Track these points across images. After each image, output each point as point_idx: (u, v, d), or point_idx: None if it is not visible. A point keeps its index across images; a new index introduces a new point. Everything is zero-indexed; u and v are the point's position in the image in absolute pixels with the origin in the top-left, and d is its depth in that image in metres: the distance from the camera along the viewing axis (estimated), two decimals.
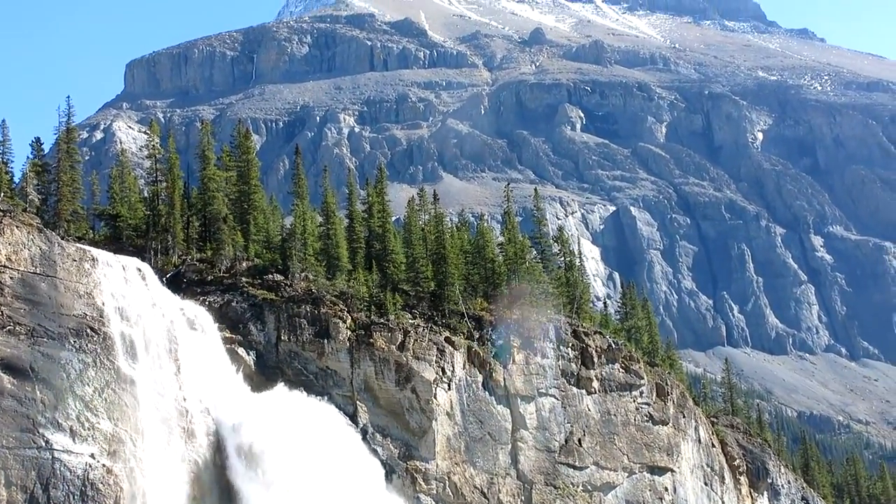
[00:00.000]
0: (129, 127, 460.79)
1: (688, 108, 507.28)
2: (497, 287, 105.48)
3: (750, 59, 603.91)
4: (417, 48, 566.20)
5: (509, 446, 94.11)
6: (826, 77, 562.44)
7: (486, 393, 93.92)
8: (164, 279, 79.92)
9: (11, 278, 63.53)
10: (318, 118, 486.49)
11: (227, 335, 79.77)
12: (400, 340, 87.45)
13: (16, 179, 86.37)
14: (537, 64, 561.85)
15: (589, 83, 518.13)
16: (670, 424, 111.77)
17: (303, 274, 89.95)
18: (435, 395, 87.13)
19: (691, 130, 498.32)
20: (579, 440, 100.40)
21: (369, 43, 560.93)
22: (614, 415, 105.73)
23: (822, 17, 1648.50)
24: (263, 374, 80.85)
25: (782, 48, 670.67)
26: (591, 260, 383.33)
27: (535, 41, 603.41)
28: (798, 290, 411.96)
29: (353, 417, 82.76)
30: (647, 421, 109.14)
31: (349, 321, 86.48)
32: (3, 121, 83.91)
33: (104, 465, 63.55)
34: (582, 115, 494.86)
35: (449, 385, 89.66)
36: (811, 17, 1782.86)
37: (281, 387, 79.60)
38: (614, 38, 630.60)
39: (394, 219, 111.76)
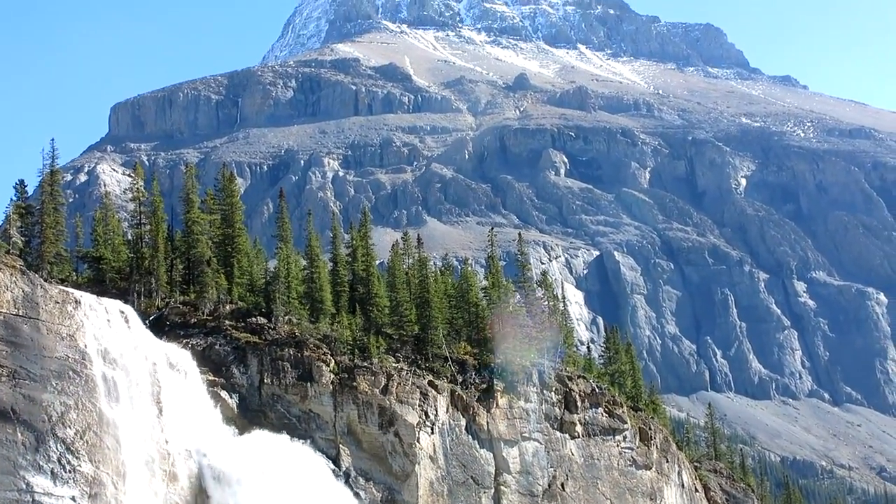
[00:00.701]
0: (114, 170, 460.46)
1: (671, 154, 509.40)
2: (481, 331, 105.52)
3: (733, 106, 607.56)
4: (402, 93, 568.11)
5: (492, 490, 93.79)
6: (809, 123, 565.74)
7: (470, 437, 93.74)
8: (147, 322, 79.70)
9: None
10: (302, 162, 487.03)
11: (210, 378, 79.56)
12: (383, 384, 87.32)
13: None
14: (521, 109, 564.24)
15: (573, 128, 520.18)
16: (654, 469, 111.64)
17: (286, 317, 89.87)
18: (418, 438, 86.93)
19: (675, 176, 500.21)
20: (562, 484, 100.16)
21: (354, 87, 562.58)
22: (598, 459, 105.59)
23: (805, 64, 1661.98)
24: (246, 417, 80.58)
25: (765, 95, 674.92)
26: (575, 304, 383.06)
27: (519, 87, 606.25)
28: (781, 335, 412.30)
29: (335, 461, 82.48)
30: (631, 465, 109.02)
31: (332, 364, 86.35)
32: None
33: None
34: (566, 160, 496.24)
35: (432, 429, 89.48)
36: (794, 64, 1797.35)
37: (264, 430, 79.37)
38: (598, 83, 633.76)
39: (378, 262, 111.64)
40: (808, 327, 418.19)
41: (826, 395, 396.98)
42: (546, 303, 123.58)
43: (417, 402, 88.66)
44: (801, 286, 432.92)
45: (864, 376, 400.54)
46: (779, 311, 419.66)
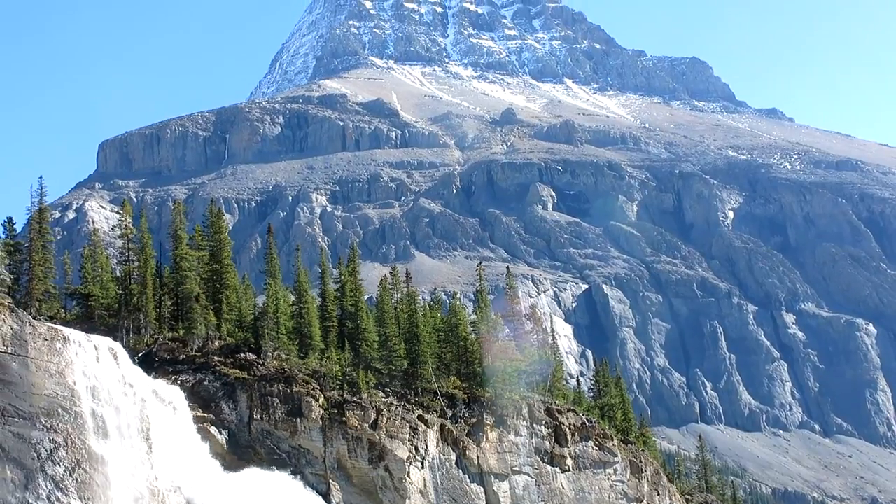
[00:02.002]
0: (102, 206, 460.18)
1: (659, 187, 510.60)
2: (470, 365, 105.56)
3: (720, 139, 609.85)
4: (389, 128, 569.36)
5: None
6: (796, 156, 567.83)
7: (460, 471, 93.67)
8: (136, 358, 79.62)
9: None
10: (290, 198, 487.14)
11: (200, 414, 79.45)
12: (373, 419, 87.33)
13: None
14: (508, 143, 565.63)
15: (560, 162, 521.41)
16: (645, 502, 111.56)
17: (275, 353, 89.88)
18: (408, 473, 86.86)
19: (662, 209, 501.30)
20: None
21: (341, 123, 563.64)
22: (588, 493, 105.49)
23: (791, 97, 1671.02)
24: (236, 453, 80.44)
25: (752, 128, 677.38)
26: (564, 338, 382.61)
27: (506, 121, 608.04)
28: (771, 367, 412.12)
29: (326, 496, 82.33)
30: (622, 499, 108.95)
31: (322, 400, 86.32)
32: None
33: None
34: (553, 194, 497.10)
35: (422, 463, 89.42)
36: (780, 97, 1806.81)
37: (253, 466, 79.22)
38: (585, 118, 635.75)
39: (366, 297, 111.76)
40: (797, 359, 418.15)
41: (816, 427, 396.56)
42: (535, 336, 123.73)
43: (407, 436, 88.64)
44: (790, 318, 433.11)
45: (855, 407, 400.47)
46: (768, 343, 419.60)
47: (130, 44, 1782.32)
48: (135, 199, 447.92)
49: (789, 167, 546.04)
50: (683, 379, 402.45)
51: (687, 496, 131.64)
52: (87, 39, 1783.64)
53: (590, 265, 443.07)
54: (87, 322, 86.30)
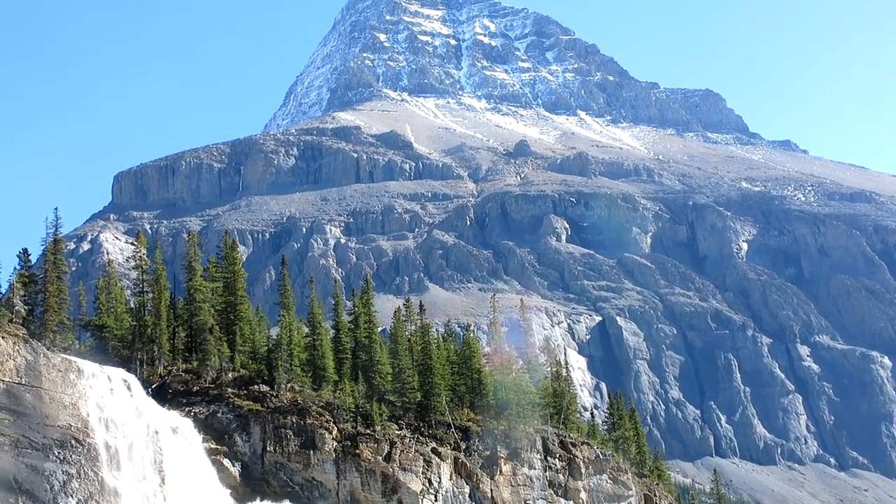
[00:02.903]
0: (117, 238, 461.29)
1: (672, 219, 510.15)
2: (484, 397, 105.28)
3: (733, 171, 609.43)
4: (403, 160, 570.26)
5: None
6: (809, 188, 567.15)
7: None
8: (149, 390, 79.68)
9: None
10: (304, 229, 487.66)
11: (213, 446, 79.34)
12: (386, 451, 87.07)
13: (2, 290, 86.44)
14: (522, 175, 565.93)
15: (574, 194, 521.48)
16: None
17: (289, 384, 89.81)
18: None
19: (676, 241, 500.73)
20: None
21: (355, 155, 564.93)
22: None
23: (804, 128, 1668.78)
24: (249, 486, 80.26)
25: (765, 159, 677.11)
26: (578, 370, 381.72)
27: (519, 153, 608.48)
28: (786, 399, 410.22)
29: None
30: None
31: (335, 432, 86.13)
32: None
33: None
34: (567, 225, 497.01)
35: (436, 496, 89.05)
36: (793, 128, 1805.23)
37: (266, 499, 79.03)
38: (598, 149, 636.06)
39: (380, 329, 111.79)
40: (812, 392, 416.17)
41: (832, 460, 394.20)
42: (549, 369, 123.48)
43: (421, 469, 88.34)
44: (804, 350, 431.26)
45: (870, 441, 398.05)
46: (783, 376, 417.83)
47: (145, 76, 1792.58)
48: (149, 231, 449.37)
49: (803, 199, 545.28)
50: (698, 412, 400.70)
51: None
52: (102, 71, 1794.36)
53: (604, 297, 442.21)
54: (102, 353, 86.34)
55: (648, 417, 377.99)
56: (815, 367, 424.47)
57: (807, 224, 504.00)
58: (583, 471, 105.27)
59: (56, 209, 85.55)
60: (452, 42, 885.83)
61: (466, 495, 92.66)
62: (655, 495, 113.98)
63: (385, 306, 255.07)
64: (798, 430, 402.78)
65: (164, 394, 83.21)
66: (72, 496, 63.78)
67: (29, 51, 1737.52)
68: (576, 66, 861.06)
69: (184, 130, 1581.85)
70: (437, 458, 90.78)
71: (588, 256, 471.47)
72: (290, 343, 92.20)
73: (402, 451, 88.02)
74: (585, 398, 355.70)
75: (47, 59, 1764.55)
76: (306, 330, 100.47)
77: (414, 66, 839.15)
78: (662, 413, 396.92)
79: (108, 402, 69.87)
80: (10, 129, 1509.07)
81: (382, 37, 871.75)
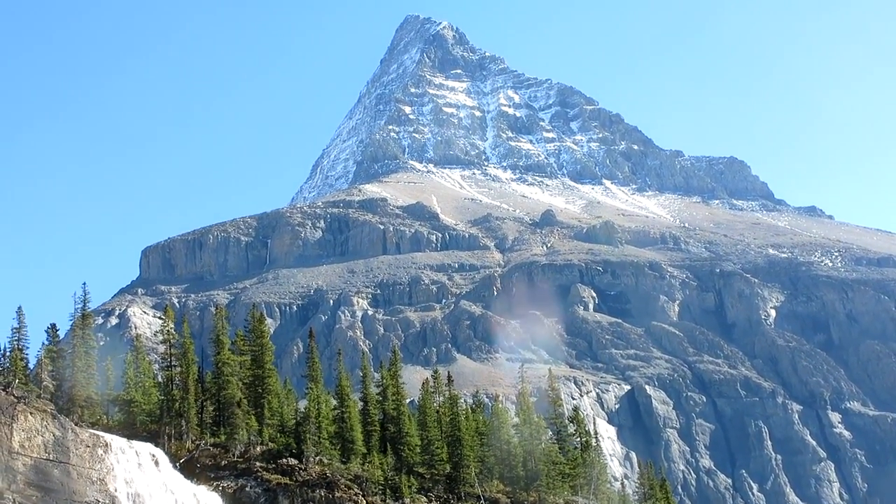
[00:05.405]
0: (145, 312, 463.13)
1: (700, 287, 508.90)
2: (513, 469, 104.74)
3: (760, 237, 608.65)
4: (430, 231, 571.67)
5: None
6: (836, 253, 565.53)
7: None
8: (177, 464, 79.59)
9: (24, 465, 63.28)
10: (331, 301, 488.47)
11: None
12: None
13: (31, 365, 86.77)
14: (548, 245, 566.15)
15: (600, 263, 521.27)
16: None
17: (317, 458, 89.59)
18: None
19: (704, 308, 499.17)
20: None
21: (382, 227, 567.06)
22: None
23: (830, 194, 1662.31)
24: None
25: (791, 226, 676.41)
26: (608, 440, 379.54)
27: (545, 223, 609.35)
28: (818, 467, 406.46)
29: None
30: None
31: None
32: (20, 307, 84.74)
33: None
34: (594, 294, 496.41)
35: None
36: (819, 194, 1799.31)
37: None
38: (624, 218, 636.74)
39: (408, 401, 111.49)
40: (844, 459, 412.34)
41: None
42: (578, 439, 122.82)
43: None
44: (835, 417, 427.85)
45: None
46: (814, 443, 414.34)
47: (172, 151, 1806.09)
48: (177, 305, 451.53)
49: (830, 265, 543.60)
50: (729, 480, 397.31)
51: None
52: (129, 147, 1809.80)
53: (632, 366, 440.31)
54: (129, 428, 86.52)
55: (679, 487, 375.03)
56: (846, 433, 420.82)
57: (835, 290, 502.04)
58: None
59: (84, 284, 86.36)
60: (477, 113, 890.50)
61: None
62: None
63: (413, 378, 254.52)
64: (831, 498, 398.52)
65: (192, 468, 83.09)
66: None
67: (56, 125, 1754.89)
68: (600, 135, 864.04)
69: (211, 204, 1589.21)
70: None
71: (616, 325, 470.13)
72: (319, 416, 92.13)
73: None
74: (616, 468, 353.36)
75: (75, 133, 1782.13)
76: (334, 402, 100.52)
77: (439, 138, 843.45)
78: (693, 482, 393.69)
79: (136, 476, 69.82)
80: (40, 205, 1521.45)
81: (407, 109, 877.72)
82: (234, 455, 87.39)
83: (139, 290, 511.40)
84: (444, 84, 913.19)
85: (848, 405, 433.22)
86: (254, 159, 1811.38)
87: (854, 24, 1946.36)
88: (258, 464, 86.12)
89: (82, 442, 67.20)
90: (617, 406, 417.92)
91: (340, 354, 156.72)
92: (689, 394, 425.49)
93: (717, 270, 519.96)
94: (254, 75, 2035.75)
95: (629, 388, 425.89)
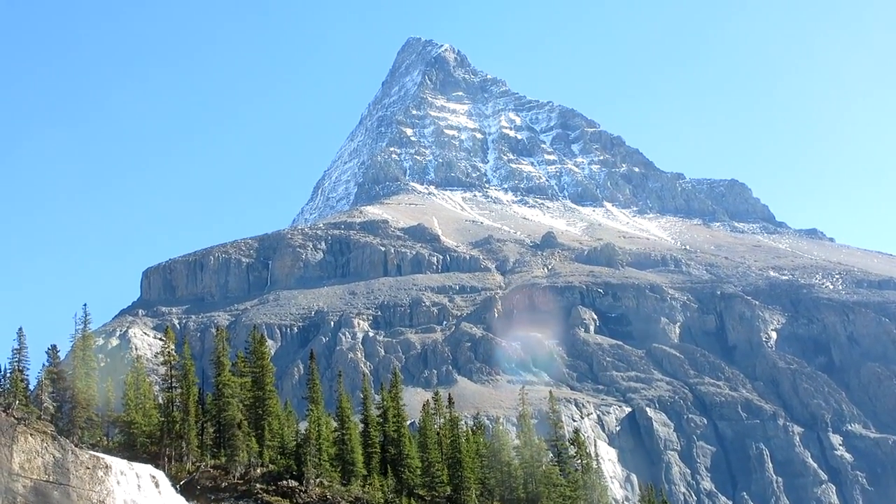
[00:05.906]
0: (145, 333, 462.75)
1: (700, 309, 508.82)
2: (514, 491, 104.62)
3: (761, 260, 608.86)
4: (431, 253, 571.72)
5: None
6: (837, 276, 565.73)
7: None
8: (177, 486, 79.50)
9: (24, 487, 63.21)
10: (332, 323, 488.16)
11: None
12: None
13: (31, 386, 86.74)
14: (549, 267, 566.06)
15: (601, 285, 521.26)
16: None
17: (317, 479, 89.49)
18: None
19: (705, 331, 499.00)
20: None
21: (383, 248, 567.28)
22: None
23: (831, 217, 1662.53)
24: None
25: (792, 248, 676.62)
26: (608, 462, 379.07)
27: (546, 245, 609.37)
28: (819, 489, 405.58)
29: None
30: None
31: None
32: (21, 328, 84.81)
33: None
34: (595, 317, 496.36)
35: None
36: (819, 217, 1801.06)
37: None
38: (625, 240, 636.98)
39: (409, 423, 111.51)
40: (845, 481, 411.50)
41: None
42: (579, 461, 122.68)
43: None
44: (836, 439, 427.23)
45: None
46: (815, 465, 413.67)
47: (173, 173, 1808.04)
48: (178, 326, 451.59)
49: (831, 287, 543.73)
50: (730, 503, 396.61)
51: None
52: (130, 168, 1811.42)
53: (633, 388, 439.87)
54: (130, 450, 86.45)
55: None
56: (847, 455, 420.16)
57: (835, 312, 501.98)
58: None
59: (85, 305, 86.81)
60: (478, 136, 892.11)
61: None
62: None
63: (413, 399, 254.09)
64: None
65: (192, 490, 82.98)
66: None
67: (58, 147, 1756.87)
68: (601, 157, 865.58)
69: (212, 225, 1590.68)
70: None
71: (617, 347, 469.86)
72: (319, 438, 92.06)
73: None
74: (616, 490, 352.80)
75: (77, 157, 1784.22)
76: (335, 424, 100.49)
77: (440, 160, 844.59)
78: None
79: (136, 498, 69.78)
80: (41, 226, 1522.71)
81: (409, 131, 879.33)
82: (234, 477, 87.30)
83: (140, 312, 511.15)
84: (446, 106, 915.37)
85: (849, 427, 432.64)
86: (255, 181, 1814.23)
87: (854, 47, 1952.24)
88: (258, 486, 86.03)
89: (82, 464, 67.14)
90: (618, 428, 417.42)
91: (341, 376, 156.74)
92: (689, 416, 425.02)
93: (718, 293, 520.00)
94: (255, 97, 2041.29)
95: (630, 410, 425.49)
